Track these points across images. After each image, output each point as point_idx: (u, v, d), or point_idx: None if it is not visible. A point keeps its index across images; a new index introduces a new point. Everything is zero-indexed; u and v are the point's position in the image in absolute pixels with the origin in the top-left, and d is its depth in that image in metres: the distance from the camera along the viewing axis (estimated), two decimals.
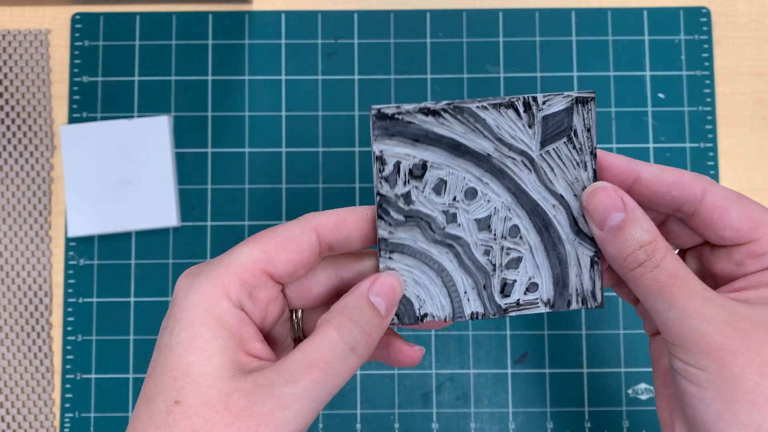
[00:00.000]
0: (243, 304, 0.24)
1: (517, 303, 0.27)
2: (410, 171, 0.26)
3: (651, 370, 0.48)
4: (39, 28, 0.51)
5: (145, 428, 0.23)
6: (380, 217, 0.26)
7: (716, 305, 0.26)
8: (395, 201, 0.26)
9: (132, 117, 0.49)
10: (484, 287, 0.27)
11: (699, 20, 0.50)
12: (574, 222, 0.27)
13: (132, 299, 0.48)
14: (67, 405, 0.48)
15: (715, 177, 0.49)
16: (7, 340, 0.48)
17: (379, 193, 0.26)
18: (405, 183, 0.26)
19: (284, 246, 0.25)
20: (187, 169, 0.49)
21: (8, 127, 0.50)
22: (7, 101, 0.50)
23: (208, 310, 0.23)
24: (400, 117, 0.25)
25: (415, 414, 0.48)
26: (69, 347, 0.48)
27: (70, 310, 0.48)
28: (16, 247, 0.49)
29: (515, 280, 0.27)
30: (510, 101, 0.26)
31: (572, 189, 0.27)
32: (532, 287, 0.27)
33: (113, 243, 0.49)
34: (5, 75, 0.50)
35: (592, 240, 0.27)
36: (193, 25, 0.50)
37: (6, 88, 0.50)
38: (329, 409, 0.48)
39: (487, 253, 0.27)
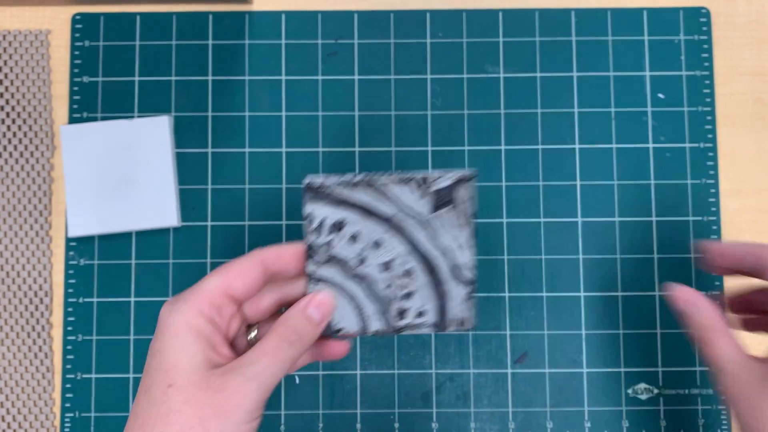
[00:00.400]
0: (213, 319, 0.32)
1: (409, 325, 0.35)
2: (332, 226, 0.34)
3: (650, 369, 0.48)
4: (39, 29, 0.51)
5: (144, 409, 0.30)
6: (308, 257, 0.34)
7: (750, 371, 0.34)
8: (319, 247, 0.34)
9: (132, 117, 0.49)
10: (385, 312, 0.35)
11: (699, 20, 0.51)
12: (453, 268, 0.35)
13: (132, 299, 0.49)
14: (68, 405, 0.48)
15: (715, 177, 0.49)
16: (7, 340, 0.49)
17: (307, 241, 0.34)
18: (327, 234, 0.34)
19: (239, 275, 0.32)
20: (187, 170, 0.49)
21: (8, 127, 0.50)
22: (7, 101, 0.50)
23: (188, 324, 0.31)
24: (324, 188, 0.34)
25: (415, 414, 0.48)
26: (69, 347, 0.48)
27: (70, 309, 0.48)
28: (17, 247, 0.49)
29: (409, 308, 0.35)
30: (409, 179, 0.34)
31: (454, 244, 0.35)
32: (421, 314, 0.35)
33: (113, 243, 0.49)
34: (5, 75, 0.50)
35: (465, 282, 0.35)
36: (193, 25, 0.50)
37: (6, 89, 0.50)
38: (329, 409, 0.48)
39: (388, 287, 0.35)
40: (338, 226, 0.34)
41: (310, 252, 0.34)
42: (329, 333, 0.35)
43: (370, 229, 0.34)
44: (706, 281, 0.49)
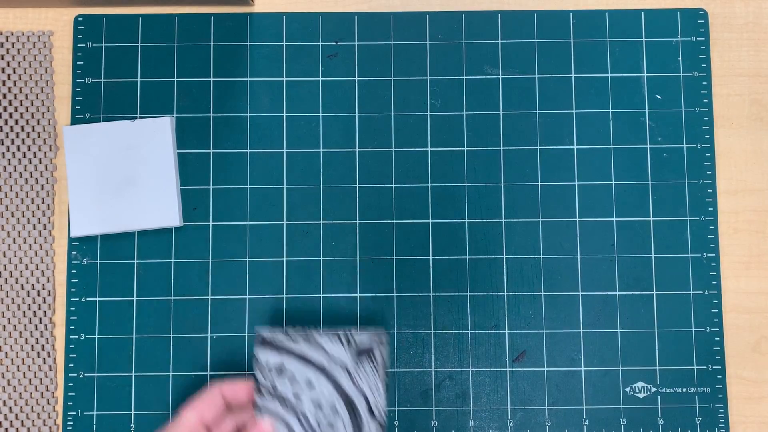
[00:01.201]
0: None
1: None
2: (275, 368, 0.44)
3: (648, 368, 0.48)
4: (42, 30, 0.51)
5: None
6: (257, 391, 0.43)
7: None
8: (266, 385, 0.44)
9: (134, 118, 0.50)
10: None
11: (696, 22, 0.51)
12: (369, 408, 0.43)
13: (134, 298, 0.49)
14: (70, 403, 0.48)
15: (712, 177, 0.50)
16: (10, 339, 0.49)
17: (256, 380, 0.44)
18: (271, 374, 0.44)
19: (208, 406, 0.42)
20: (189, 170, 0.50)
21: (12, 128, 0.50)
22: (10, 102, 0.50)
23: None
24: (272, 340, 0.44)
25: (415, 411, 0.49)
26: (72, 346, 0.49)
27: (73, 309, 0.49)
28: (20, 246, 0.49)
29: None
30: (337, 334, 0.44)
31: (371, 389, 0.43)
32: None
33: (116, 243, 0.49)
34: (9, 76, 0.51)
35: (379, 422, 0.43)
36: (195, 26, 0.51)
37: (9, 89, 0.51)
38: None
39: (317, 421, 0.44)
40: (280, 369, 0.44)
41: (257, 387, 0.44)
42: None
43: (305, 371, 0.44)
44: (704, 281, 0.49)
